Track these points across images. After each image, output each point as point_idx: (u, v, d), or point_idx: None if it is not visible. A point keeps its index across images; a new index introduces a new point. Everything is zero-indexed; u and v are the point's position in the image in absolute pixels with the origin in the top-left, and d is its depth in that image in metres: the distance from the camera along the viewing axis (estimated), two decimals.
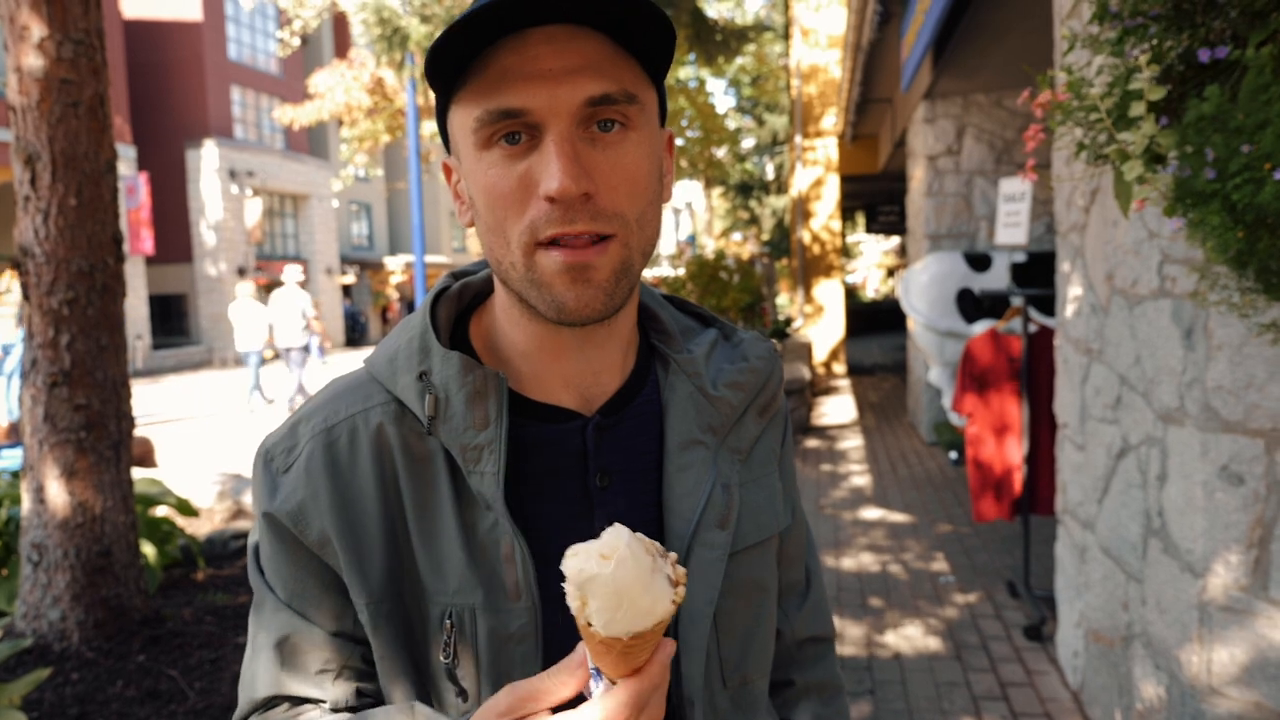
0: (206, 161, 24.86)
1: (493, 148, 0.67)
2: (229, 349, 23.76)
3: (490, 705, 0.62)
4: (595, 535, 0.73)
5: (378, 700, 0.77)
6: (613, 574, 0.54)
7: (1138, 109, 1.34)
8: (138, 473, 4.82)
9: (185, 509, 4.48)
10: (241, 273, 25.34)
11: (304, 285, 11.67)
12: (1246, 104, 1.23)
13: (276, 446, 0.76)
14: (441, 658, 0.72)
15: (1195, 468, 2.16)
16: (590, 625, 0.55)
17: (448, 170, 0.78)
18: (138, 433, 5.81)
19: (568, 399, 0.77)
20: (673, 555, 0.57)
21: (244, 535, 4.89)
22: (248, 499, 5.70)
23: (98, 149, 3.35)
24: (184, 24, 25.14)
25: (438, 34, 0.75)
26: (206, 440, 10.17)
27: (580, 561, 0.56)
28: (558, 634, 0.72)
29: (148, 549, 3.93)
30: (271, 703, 0.77)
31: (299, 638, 0.75)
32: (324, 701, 0.76)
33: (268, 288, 26.60)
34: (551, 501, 0.75)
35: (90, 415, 3.35)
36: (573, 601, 0.56)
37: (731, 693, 0.81)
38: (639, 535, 0.56)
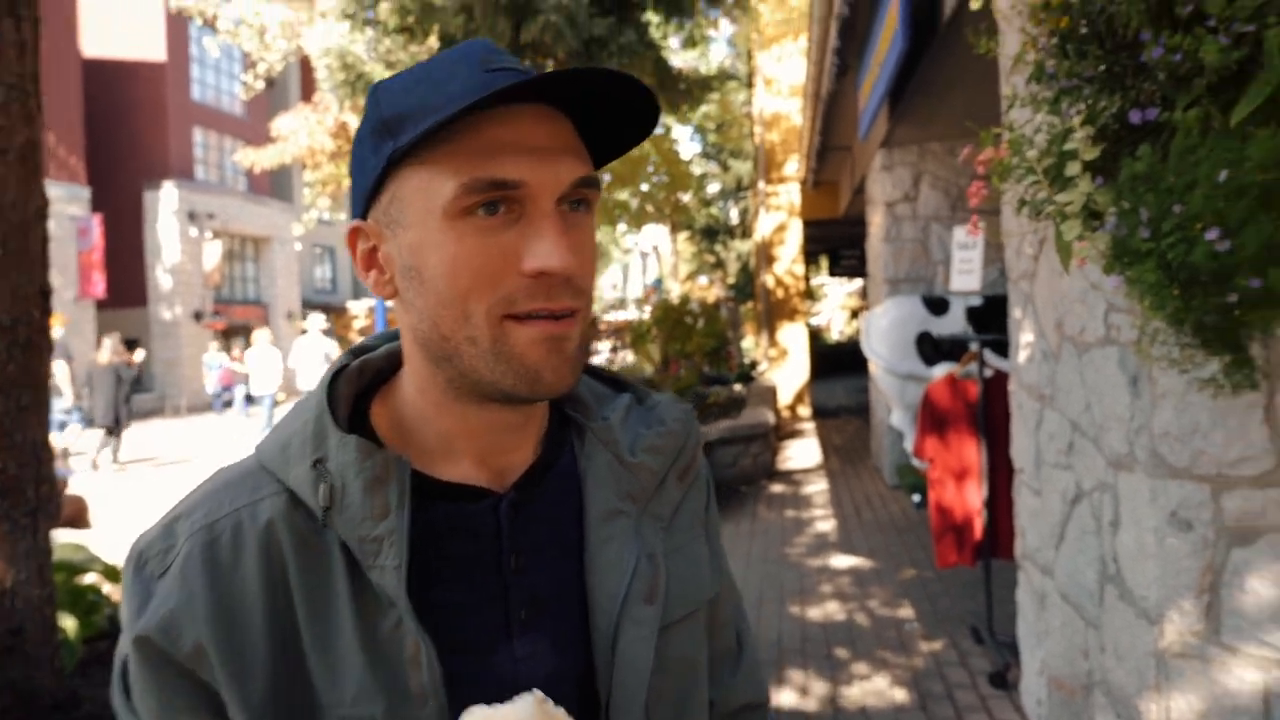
0: (165, 203, 24.55)
1: (468, 218, 0.64)
2: (182, 396, 23.27)
3: None
4: (510, 624, 0.71)
5: None
6: None
7: (1073, 169, 1.37)
8: (65, 536, 4.54)
9: (113, 575, 4.18)
10: (198, 317, 24.95)
11: (327, 333, 11.90)
12: (1176, 164, 1.27)
13: (151, 548, 0.68)
14: None
15: (1146, 514, 2.19)
16: None
17: (355, 235, 0.72)
18: (71, 491, 5.55)
19: (479, 477, 0.74)
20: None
21: None
22: None
23: (27, 197, 3.19)
24: (147, 64, 25.00)
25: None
26: (163, 490, 9.95)
27: None
28: None
29: (68, 622, 3.63)
30: None
31: None
32: None
33: (225, 333, 26.33)
34: (462, 590, 0.71)
35: (6, 480, 3.13)
36: None
37: None
38: (548, 705, 0.53)
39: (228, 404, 18.67)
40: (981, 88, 5.67)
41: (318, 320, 11.76)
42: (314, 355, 11.52)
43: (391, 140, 0.66)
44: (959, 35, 4.57)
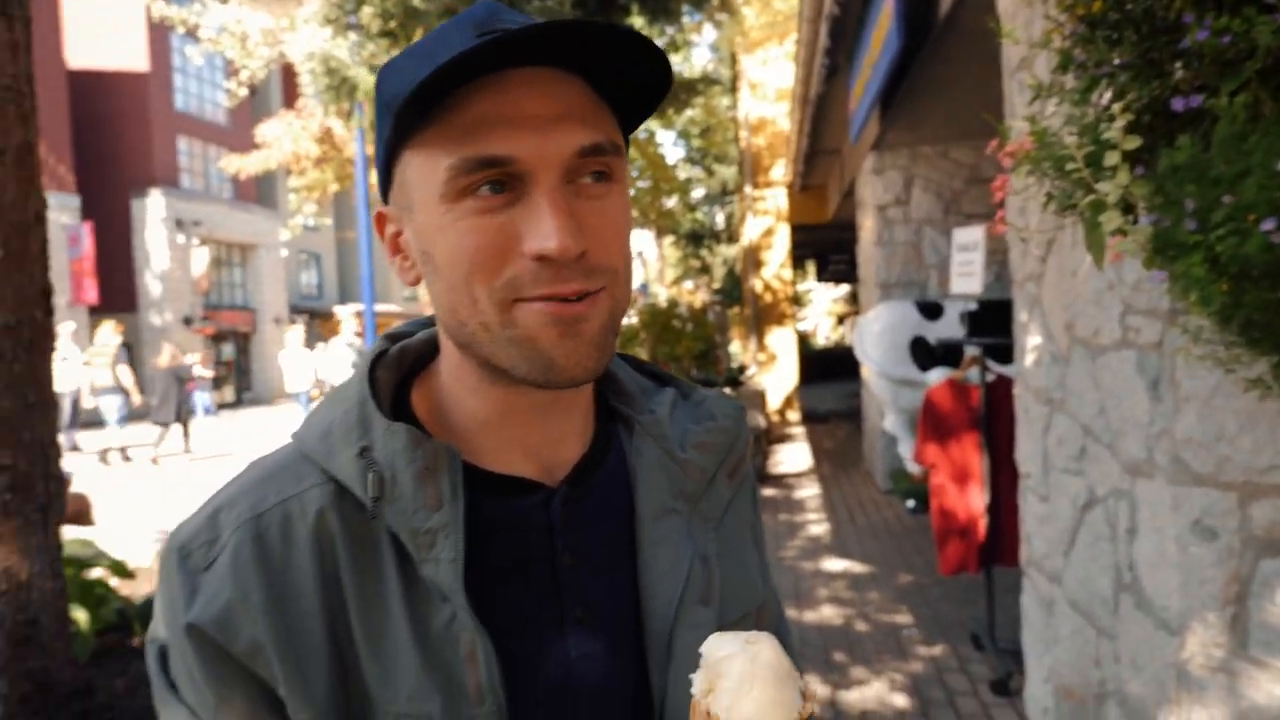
0: (152, 211, 24.49)
1: (466, 199, 0.60)
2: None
3: None
4: (564, 623, 0.68)
5: None
6: (754, 655, 0.52)
7: (1112, 158, 1.30)
8: (72, 532, 4.62)
9: (120, 571, 4.31)
10: (188, 322, 24.87)
11: (359, 334, 12.53)
12: (1225, 153, 1.20)
13: (193, 540, 0.64)
14: None
15: (1167, 521, 2.12)
16: (710, 712, 0.52)
17: (382, 220, 0.69)
18: (75, 490, 5.57)
19: (528, 469, 0.70)
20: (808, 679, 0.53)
21: None
22: None
23: (25, 199, 3.20)
24: (130, 74, 24.87)
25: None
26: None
27: (722, 640, 0.54)
28: None
29: (79, 615, 3.73)
30: None
31: None
32: None
33: (215, 338, 26.26)
34: (516, 587, 0.67)
35: (16, 476, 3.18)
36: (699, 684, 0.53)
37: None
38: (764, 637, 0.55)
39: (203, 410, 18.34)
40: (980, 89, 5.63)
41: (351, 322, 12.51)
42: (344, 355, 12.17)
43: (391, 120, 0.61)
44: (957, 34, 4.52)
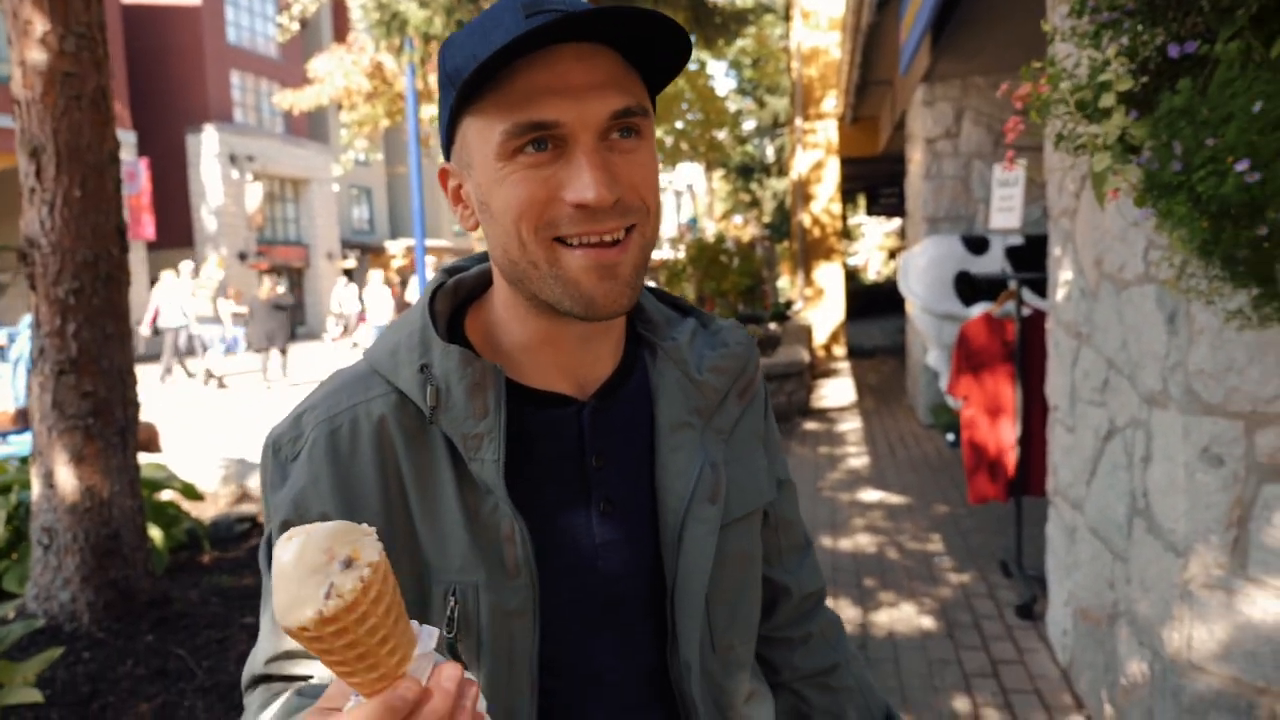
0: (206, 146, 24.80)
1: (518, 157, 0.71)
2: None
3: None
4: (591, 514, 0.82)
5: None
6: (278, 557, 0.53)
7: (1108, 100, 1.38)
8: (143, 458, 4.90)
9: (190, 493, 4.55)
10: (243, 258, 25.31)
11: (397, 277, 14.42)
12: (1214, 98, 1.28)
13: (283, 437, 0.80)
14: (445, 632, 0.76)
15: (1178, 449, 2.21)
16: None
17: (445, 175, 0.82)
18: (146, 418, 5.90)
19: (563, 386, 0.83)
20: (364, 567, 0.52)
21: (248, 519, 4.95)
22: (252, 483, 5.76)
23: (101, 141, 3.39)
24: (183, 8, 25.05)
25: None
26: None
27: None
28: (555, 610, 0.79)
29: (154, 532, 4.00)
30: (268, 679, 0.81)
31: None
32: (312, 678, 0.80)
33: (270, 272, 26.79)
34: (550, 483, 0.81)
35: (97, 402, 3.41)
36: None
37: (721, 657, 0.87)
38: (337, 530, 0.53)
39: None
40: (1027, 20, 5.53)
41: (350, 263, 14.15)
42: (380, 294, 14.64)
43: (453, 92, 0.73)
44: None
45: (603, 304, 0.74)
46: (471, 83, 0.69)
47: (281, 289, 14.68)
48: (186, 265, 14.44)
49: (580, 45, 0.71)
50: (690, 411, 0.85)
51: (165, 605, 3.60)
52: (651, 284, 0.97)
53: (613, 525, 0.82)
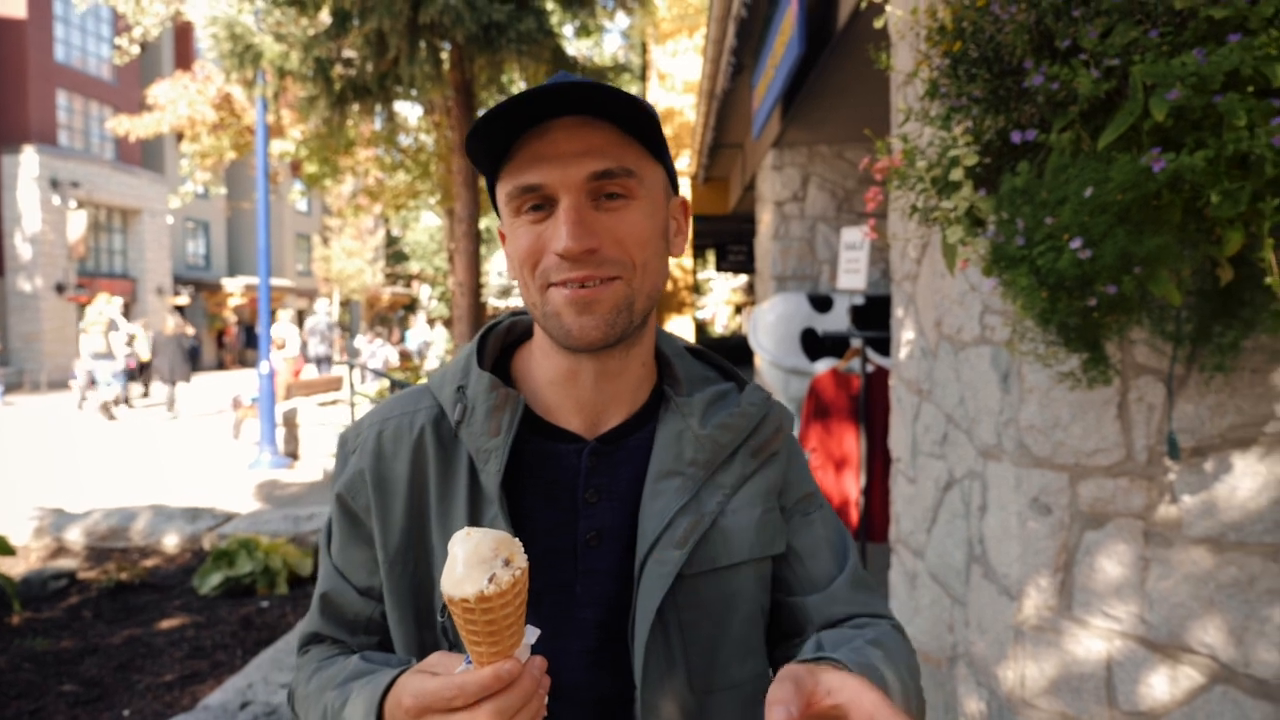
0: (25, 168, 22.99)
1: (522, 215, 0.86)
2: (42, 371, 21.91)
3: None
4: (579, 541, 0.93)
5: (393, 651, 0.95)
6: (457, 545, 0.69)
7: (956, 174, 1.51)
8: None
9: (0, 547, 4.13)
10: (60, 289, 23.50)
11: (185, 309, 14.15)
12: (1050, 181, 1.42)
13: (350, 433, 0.99)
14: (440, 617, 0.89)
15: (1010, 499, 2.39)
16: (442, 587, 0.70)
17: (504, 236, 0.93)
18: None
19: (576, 425, 0.94)
20: (517, 569, 0.69)
21: (64, 575, 4.53)
22: (69, 535, 5.29)
23: None
24: (6, 20, 23.25)
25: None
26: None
27: (456, 537, 0.71)
28: (540, 611, 0.88)
29: None
30: (317, 638, 0.99)
31: (336, 593, 0.97)
32: (349, 644, 0.97)
33: (176, 309, 25.00)
34: (545, 506, 0.92)
35: None
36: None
37: (698, 698, 0.91)
38: (503, 538, 0.70)
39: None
40: (871, 96, 5.94)
41: (324, 304, 15.65)
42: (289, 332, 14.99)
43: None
44: (852, 45, 4.78)
45: (578, 335, 0.85)
46: (469, 148, 0.83)
47: (190, 330, 15.56)
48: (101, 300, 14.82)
49: (572, 119, 0.84)
50: (685, 462, 0.93)
51: None
52: (699, 348, 1.06)
53: (596, 556, 0.91)
